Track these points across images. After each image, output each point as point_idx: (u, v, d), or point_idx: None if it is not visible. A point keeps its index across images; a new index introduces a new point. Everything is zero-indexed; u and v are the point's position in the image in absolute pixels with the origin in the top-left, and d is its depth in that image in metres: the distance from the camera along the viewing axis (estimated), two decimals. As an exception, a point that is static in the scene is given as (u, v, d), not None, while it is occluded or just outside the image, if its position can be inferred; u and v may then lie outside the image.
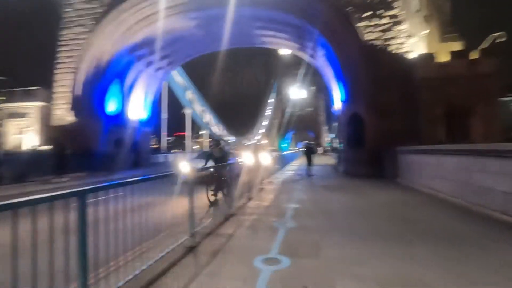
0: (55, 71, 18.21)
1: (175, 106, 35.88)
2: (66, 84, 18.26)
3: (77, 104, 18.11)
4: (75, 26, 18.13)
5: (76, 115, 18.03)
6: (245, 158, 10.32)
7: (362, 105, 14.23)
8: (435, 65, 12.83)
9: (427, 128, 13.11)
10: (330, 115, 78.69)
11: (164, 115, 29.31)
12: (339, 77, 16.36)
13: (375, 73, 13.76)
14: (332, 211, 6.27)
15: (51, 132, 17.72)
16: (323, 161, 29.84)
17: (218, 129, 46.81)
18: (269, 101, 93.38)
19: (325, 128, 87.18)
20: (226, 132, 52.49)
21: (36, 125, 17.64)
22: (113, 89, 19.76)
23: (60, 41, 18.25)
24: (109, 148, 19.08)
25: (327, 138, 75.16)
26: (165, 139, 31.52)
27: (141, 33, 18.51)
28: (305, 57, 22.26)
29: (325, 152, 56.30)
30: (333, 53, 16.09)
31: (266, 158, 10.66)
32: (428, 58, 12.96)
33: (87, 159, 16.93)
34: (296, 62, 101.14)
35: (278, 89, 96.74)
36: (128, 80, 20.92)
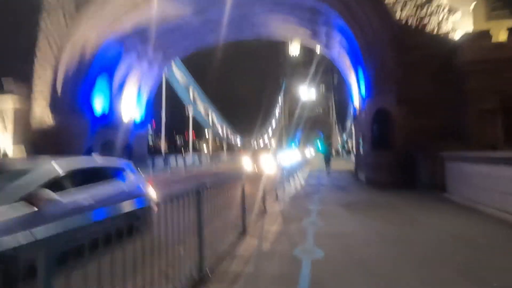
0: (34, 64, 16.10)
1: (177, 105, 33.77)
2: (46, 79, 16.13)
3: (57, 102, 15.95)
4: (55, 14, 15.99)
5: (56, 114, 15.89)
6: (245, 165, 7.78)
7: (390, 99, 11.51)
8: (488, 46, 10.03)
9: (475, 126, 10.31)
10: (342, 115, 75.29)
11: (163, 114, 27.10)
12: (360, 67, 13.68)
13: (407, 59, 11.04)
14: (378, 264, 3.66)
15: (28, 134, 15.62)
16: (338, 165, 27.03)
17: (222, 129, 44.41)
18: (278, 101, 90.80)
19: (336, 128, 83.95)
20: (231, 132, 50.05)
21: (10, 125, 15.55)
22: (101, 85, 17.59)
23: (38, 29, 16.13)
24: (95, 152, 16.87)
25: (339, 139, 71.97)
26: (163, 140, 29.32)
27: (130, 20, 16.26)
28: (318, 46, 19.64)
29: (338, 154, 53.24)
30: (353, 39, 13.44)
31: (271, 165, 8.15)
32: (480, 37, 10.15)
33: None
34: (305, 62, 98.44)
35: (286, 88, 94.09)
36: (118, 76, 18.74)
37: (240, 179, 5.14)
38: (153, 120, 33.59)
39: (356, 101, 15.86)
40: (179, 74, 30.37)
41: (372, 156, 12.38)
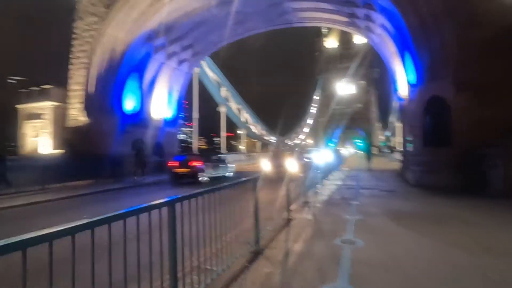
0: (69, 67, 16.59)
1: (208, 104, 33.57)
2: (80, 81, 16.52)
3: (90, 102, 16.26)
4: (87, 15, 16.27)
5: (89, 114, 16.19)
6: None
7: (447, 85, 9.51)
8: None
9: None
10: (384, 110, 70.17)
11: (196, 114, 26.94)
12: (408, 51, 11.69)
13: (472, 35, 8.99)
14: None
15: (65, 134, 16.13)
16: (380, 164, 24.58)
17: (256, 128, 43.45)
18: (314, 98, 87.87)
19: (377, 125, 78.78)
20: (266, 132, 48.94)
21: (51, 126, 16.16)
22: (131, 84, 17.61)
23: (73, 34, 16.58)
24: (125, 150, 16.92)
25: (381, 136, 67.19)
26: (196, 139, 29.26)
27: (155, 17, 15.95)
28: (357, 32, 17.72)
29: (380, 152, 49.46)
30: (400, 20, 11.51)
31: (295, 165, 6.92)
32: None
33: (100, 163, 14.89)
34: (342, 55, 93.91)
35: (323, 85, 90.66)
36: (148, 75, 18.66)
37: (253, 180, 4.02)
38: (185, 120, 33.70)
39: (402, 91, 13.78)
40: (211, 73, 30.06)
41: (423, 154, 10.43)
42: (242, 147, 50.56)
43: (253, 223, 3.94)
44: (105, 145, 16.02)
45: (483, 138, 8.68)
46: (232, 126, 37.77)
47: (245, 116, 39.63)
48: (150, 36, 17.11)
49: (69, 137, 15.82)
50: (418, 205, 7.06)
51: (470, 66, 9.00)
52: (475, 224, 5.34)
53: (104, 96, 16.43)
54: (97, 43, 16.07)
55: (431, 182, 9.56)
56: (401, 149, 17.07)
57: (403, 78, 13.29)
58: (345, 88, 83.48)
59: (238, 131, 38.80)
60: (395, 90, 15.56)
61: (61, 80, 16.22)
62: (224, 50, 23.64)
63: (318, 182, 9.64)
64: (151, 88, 19.14)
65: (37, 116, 16.05)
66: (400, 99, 14.77)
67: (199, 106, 28.15)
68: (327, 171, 12.63)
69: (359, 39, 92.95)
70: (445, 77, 9.54)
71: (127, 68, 17.02)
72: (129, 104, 17.70)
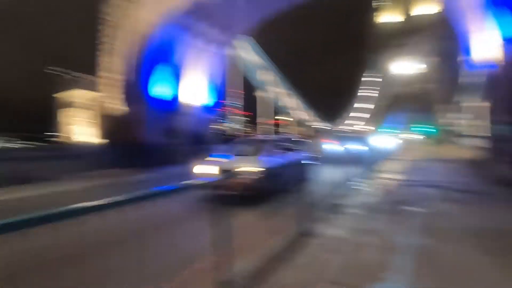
0: (100, 54, 16.48)
1: (253, 90, 32.08)
2: (112, 68, 16.33)
3: (124, 90, 15.98)
4: (115, -1, 15.77)
5: (124, 102, 15.96)
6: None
7: None
8: None
9: None
10: (454, 89, 60.56)
11: (240, 100, 25.66)
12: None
13: None
14: None
15: (103, 123, 16.26)
16: (452, 152, 20.39)
17: (307, 114, 40.53)
18: (367, 78, 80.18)
19: (445, 107, 68.50)
20: (316, 118, 45.66)
21: (92, 115, 16.43)
22: (162, 69, 16.89)
23: (101, 19, 16.32)
24: (160, 139, 16.44)
25: (450, 119, 58.08)
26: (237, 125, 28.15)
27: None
28: None
29: (454, 137, 42.48)
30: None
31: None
32: None
33: (136, 151, 14.63)
34: (402, 30, 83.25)
35: (380, 64, 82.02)
36: (181, 59, 17.74)
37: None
38: (225, 106, 32.85)
39: (484, 53, 10.29)
40: (253, 56, 28.37)
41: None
42: (293, 133, 48.50)
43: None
44: (140, 131, 15.75)
45: None
46: (280, 112, 35.75)
47: (292, 101, 37.18)
48: (181, 18, 15.99)
49: (106, 125, 15.89)
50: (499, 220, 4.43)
51: None
52: None
53: (136, 82, 15.99)
54: (126, 27, 15.54)
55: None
56: (476, 134, 13.30)
57: (487, 37, 9.85)
58: (405, 67, 74.38)
59: (286, 118, 36.69)
60: (468, 56, 11.90)
61: (92, 67, 16.24)
62: (273, 36, 21.68)
63: (364, 177, 7.38)
64: (183, 72, 18.26)
65: (75, 104, 16.42)
66: (477, 66, 11.20)
67: (246, 92, 26.89)
68: (377, 161, 10.13)
69: (420, 11, 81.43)
70: None
71: (158, 52, 16.28)
72: (161, 90, 17.06)
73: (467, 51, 12.02)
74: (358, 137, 14.30)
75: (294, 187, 6.34)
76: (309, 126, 45.99)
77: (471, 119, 29.37)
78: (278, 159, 6.55)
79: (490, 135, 10.83)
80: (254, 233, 4.10)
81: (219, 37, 18.70)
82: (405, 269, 2.88)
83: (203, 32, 17.70)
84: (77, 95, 16.42)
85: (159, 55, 16.45)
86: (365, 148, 10.82)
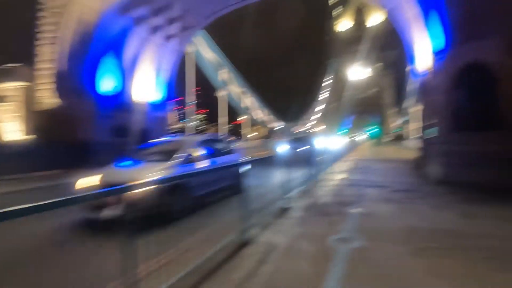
0: (36, 42, 14.61)
1: (208, 87, 31.37)
2: (49, 58, 14.57)
3: (61, 83, 14.34)
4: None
5: (60, 96, 14.31)
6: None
7: (495, 44, 6.90)
8: None
9: None
10: (399, 94, 66.05)
11: (192, 97, 24.80)
12: (435, 5, 9.00)
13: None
14: None
15: (35, 118, 14.38)
16: (394, 153, 21.97)
17: (262, 114, 40.86)
18: (325, 83, 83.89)
19: (392, 111, 74.56)
20: (272, 118, 46.29)
21: (20, 110, 14.43)
22: (108, 63, 15.54)
23: (39, 4, 14.50)
24: (105, 137, 15.10)
25: (396, 122, 63.38)
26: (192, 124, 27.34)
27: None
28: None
29: (397, 139, 46.22)
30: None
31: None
32: None
33: (77, 151, 13.23)
34: (356, 38, 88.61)
35: (335, 69, 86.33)
36: (129, 52, 16.50)
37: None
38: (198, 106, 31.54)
39: (423, 63, 11.12)
40: (209, 53, 27.65)
41: (453, 141, 7.93)
42: (254, 133, 48.52)
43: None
44: (81, 130, 14.25)
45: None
46: (234, 112, 35.54)
47: (249, 100, 37.14)
48: (128, 5, 14.86)
49: (40, 122, 14.07)
50: (457, 219, 4.66)
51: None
52: None
53: (77, 75, 14.47)
54: (66, 14, 13.98)
55: (466, 179, 7.12)
56: (417, 136, 14.51)
57: (425, 47, 10.63)
58: (358, 72, 79.20)
59: (240, 117, 36.58)
60: (412, 64, 12.85)
61: (28, 58, 14.33)
62: (229, 34, 21.17)
63: (314, 176, 7.42)
64: (134, 68, 17.04)
65: (1, 98, 14.33)
66: (418, 75, 12.09)
67: (203, 90, 26.05)
68: (328, 162, 10.38)
69: (373, 20, 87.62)
70: (490, 34, 6.92)
71: (102, 43, 14.92)
72: (108, 85, 15.70)
73: (411, 60, 12.89)
74: (309, 137, 14.60)
75: (225, 195, 5.86)
76: (268, 127, 46.56)
77: (414, 123, 32.21)
78: (198, 164, 5.60)
79: (422, 137, 11.71)
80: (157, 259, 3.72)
81: (172, 31, 17.81)
82: (333, 278, 2.75)
83: (155, 25, 16.69)
84: (9, 88, 14.32)
85: (106, 47, 15.11)
86: (316, 148, 11.02)
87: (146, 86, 18.00)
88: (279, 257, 3.25)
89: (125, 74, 16.58)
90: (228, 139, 10.03)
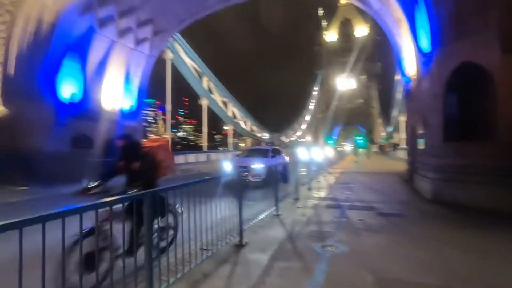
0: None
1: (190, 96, 30.05)
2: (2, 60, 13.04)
3: (10, 87, 12.79)
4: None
5: (9, 101, 12.73)
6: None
7: (488, 42, 5.94)
8: None
9: None
10: (386, 105, 66.40)
11: (168, 106, 23.46)
12: (420, 7, 8.11)
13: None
14: None
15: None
16: (382, 164, 21.07)
17: (245, 124, 39.68)
18: (313, 93, 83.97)
19: (379, 121, 74.85)
20: (257, 128, 45.12)
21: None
22: (69, 67, 14.09)
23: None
24: (62, 147, 13.53)
25: (385, 132, 63.37)
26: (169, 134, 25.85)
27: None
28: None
29: (383, 150, 45.82)
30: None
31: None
32: None
33: (22, 162, 11.65)
34: (343, 49, 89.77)
35: (323, 80, 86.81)
36: (95, 56, 15.08)
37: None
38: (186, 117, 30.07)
39: (411, 68, 10.22)
40: (188, 61, 26.49)
41: (443, 153, 6.87)
42: (242, 144, 47.16)
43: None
44: (37, 140, 12.68)
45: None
46: (217, 121, 34.21)
47: (233, 111, 35.98)
48: (91, 5, 13.60)
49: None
50: (456, 263, 3.47)
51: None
52: None
53: (30, 79, 12.94)
54: (19, 13, 12.59)
55: (459, 198, 6.04)
56: (406, 146, 13.61)
57: (412, 50, 9.74)
58: (345, 83, 79.76)
59: (225, 127, 35.30)
60: (401, 71, 11.99)
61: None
62: (213, 44, 20.15)
63: (294, 193, 6.17)
64: (99, 72, 15.61)
65: None
66: (406, 80, 11.19)
67: (191, 100, 24.76)
68: (311, 176, 9.24)
69: (360, 32, 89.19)
70: (482, 32, 5.97)
71: (62, 45, 13.51)
72: (68, 90, 14.21)
73: (400, 65, 12.05)
74: (278, 149, 13.74)
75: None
76: (256, 137, 45.41)
77: (403, 132, 31.68)
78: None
79: (407, 147, 10.74)
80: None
81: (143, 35, 16.59)
82: None
83: (123, 27, 15.44)
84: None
85: (67, 49, 13.69)
86: (298, 160, 10.69)
87: (115, 92, 16.59)
88: None
89: (90, 79, 15.13)
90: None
